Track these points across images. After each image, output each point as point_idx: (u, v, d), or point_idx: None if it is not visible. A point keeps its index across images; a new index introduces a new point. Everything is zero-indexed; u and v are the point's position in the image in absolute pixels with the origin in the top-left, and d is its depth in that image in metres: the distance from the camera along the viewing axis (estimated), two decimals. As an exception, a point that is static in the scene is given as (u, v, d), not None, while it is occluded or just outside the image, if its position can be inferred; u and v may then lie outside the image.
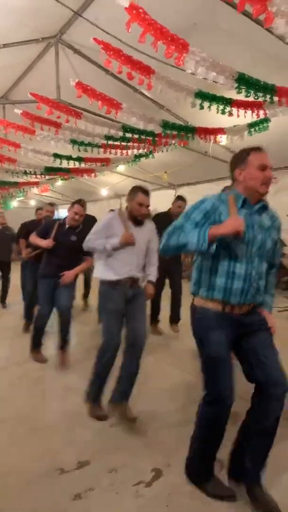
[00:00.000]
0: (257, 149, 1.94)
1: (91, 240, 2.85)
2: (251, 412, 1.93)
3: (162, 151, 6.12)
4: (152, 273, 3.00)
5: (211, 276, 1.94)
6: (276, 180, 7.80)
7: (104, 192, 11.51)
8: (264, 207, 1.99)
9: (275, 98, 3.56)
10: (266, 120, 4.66)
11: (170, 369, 3.61)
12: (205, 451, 1.99)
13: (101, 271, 2.88)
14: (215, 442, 1.96)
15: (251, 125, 4.86)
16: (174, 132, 4.84)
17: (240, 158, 1.96)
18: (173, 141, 5.10)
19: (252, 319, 1.97)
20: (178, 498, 1.93)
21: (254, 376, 1.92)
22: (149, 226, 2.98)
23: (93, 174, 8.29)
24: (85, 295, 6.17)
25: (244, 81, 3.15)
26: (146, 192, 2.83)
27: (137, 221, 2.87)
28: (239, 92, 3.26)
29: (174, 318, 4.72)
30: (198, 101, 3.63)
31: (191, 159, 7.58)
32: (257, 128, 4.85)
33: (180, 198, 4.55)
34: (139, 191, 2.81)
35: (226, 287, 1.90)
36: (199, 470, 2.01)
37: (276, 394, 1.85)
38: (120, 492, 1.99)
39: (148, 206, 2.87)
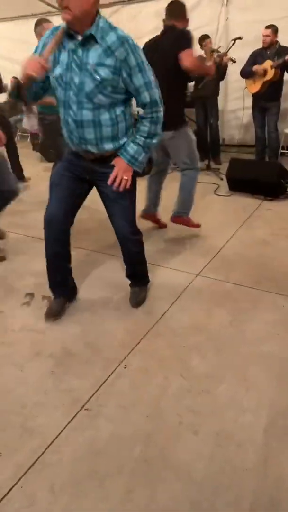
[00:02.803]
0: None
1: None
2: None
3: None
4: None
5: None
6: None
7: None
8: (90, 38, 1.66)
9: None
10: None
11: None
12: (48, 268, 2.18)
13: None
14: (51, 261, 2.15)
15: None
16: None
17: None
18: None
19: (100, 169, 1.95)
20: (11, 333, 2.12)
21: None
22: None
23: None
24: None
25: None
26: None
27: None
28: None
29: None
30: None
31: None
32: None
33: None
34: None
35: (64, 131, 1.93)
36: (50, 283, 2.24)
37: (121, 239, 2.18)
38: None
39: None
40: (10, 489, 1.31)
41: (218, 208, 3.96)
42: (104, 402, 1.65)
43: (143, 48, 2.51)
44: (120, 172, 1.91)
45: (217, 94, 5.42)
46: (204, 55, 5.16)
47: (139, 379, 1.77)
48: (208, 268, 2.73)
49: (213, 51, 5.05)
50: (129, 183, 1.94)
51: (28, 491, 1.31)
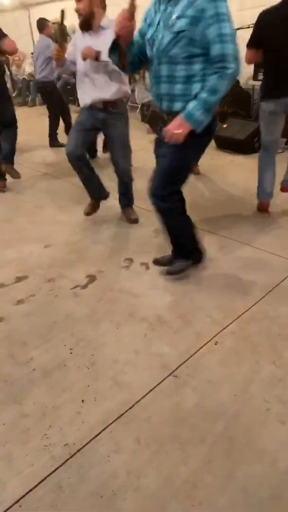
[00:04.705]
0: None
1: None
2: None
3: None
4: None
5: None
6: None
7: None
8: None
9: None
10: None
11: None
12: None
13: None
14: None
15: None
16: None
17: None
18: None
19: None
20: (110, 293, 2.25)
21: None
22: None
23: None
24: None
25: None
26: None
27: (84, 24, 2.50)
28: None
29: None
30: None
31: None
32: None
33: None
34: None
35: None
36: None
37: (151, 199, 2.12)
38: (59, 295, 2.25)
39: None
40: (100, 432, 1.43)
41: None
42: (192, 373, 1.68)
43: (261, 16, 2.60)
44: (171, 126, 1.81)
45: None
46: None
47: (229, 359, 1.76)
48: (315, 259, 2.54)
49: None
50: (180, 138, 1.80)
51: (116, 437, 1.41)
